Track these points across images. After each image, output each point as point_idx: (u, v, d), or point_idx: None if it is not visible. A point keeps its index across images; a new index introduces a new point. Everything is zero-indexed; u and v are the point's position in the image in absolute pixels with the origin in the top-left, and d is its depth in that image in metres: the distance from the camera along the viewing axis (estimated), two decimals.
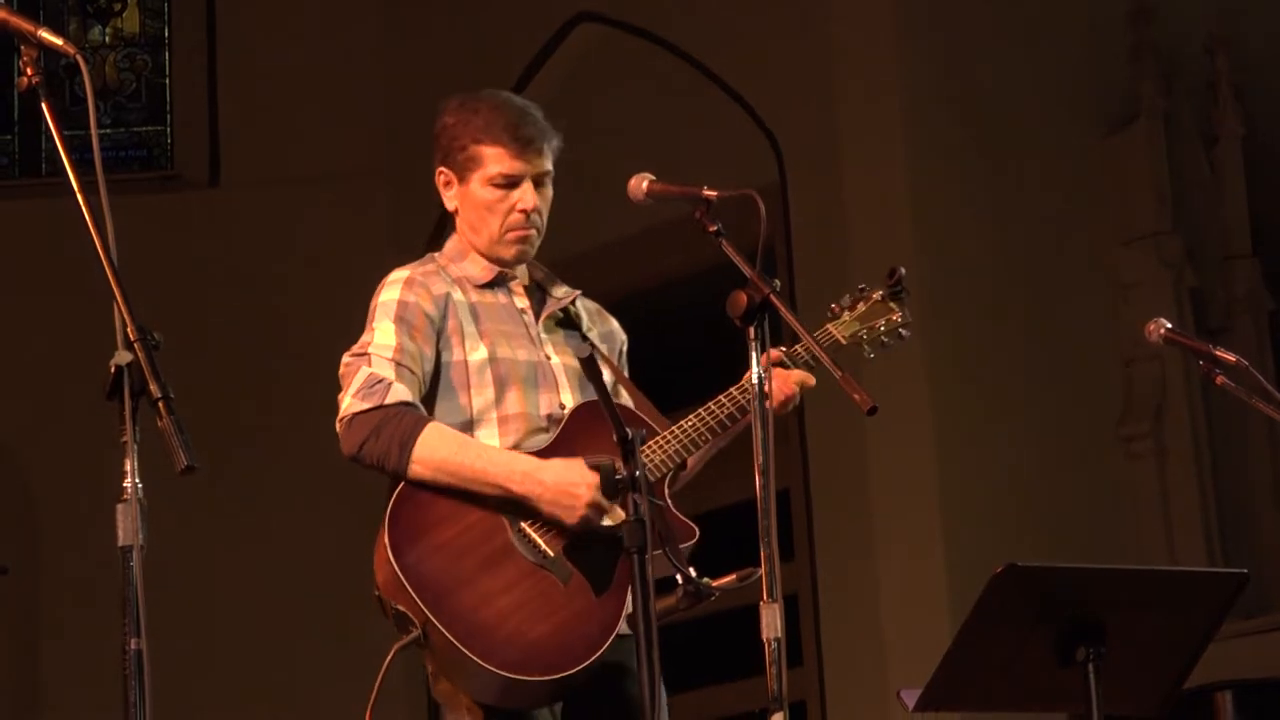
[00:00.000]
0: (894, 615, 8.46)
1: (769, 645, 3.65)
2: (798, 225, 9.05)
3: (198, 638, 9.23)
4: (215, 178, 10.68)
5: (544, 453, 4.14)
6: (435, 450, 4.07)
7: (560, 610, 4.02)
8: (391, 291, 4.24)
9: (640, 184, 4.08)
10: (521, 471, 4.07)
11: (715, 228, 3.94)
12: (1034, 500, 8.56)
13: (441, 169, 4.32)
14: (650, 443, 4.14)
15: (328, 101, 10.55)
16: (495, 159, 4.25)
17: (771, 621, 3.66)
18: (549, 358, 4.25)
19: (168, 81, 10.94)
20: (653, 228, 8.05)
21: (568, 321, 4.36)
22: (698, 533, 4.14)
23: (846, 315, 4.38)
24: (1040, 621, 3.98)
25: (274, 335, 10.18)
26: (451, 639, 3.95)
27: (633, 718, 3.90)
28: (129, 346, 3.13)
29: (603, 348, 4.37)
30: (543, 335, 4.29)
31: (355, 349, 4.20)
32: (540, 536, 4.07)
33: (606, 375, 4.30)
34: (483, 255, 4.31)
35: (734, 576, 3.97)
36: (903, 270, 4.39)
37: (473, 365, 4.20)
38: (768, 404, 4.12)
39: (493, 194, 4.26)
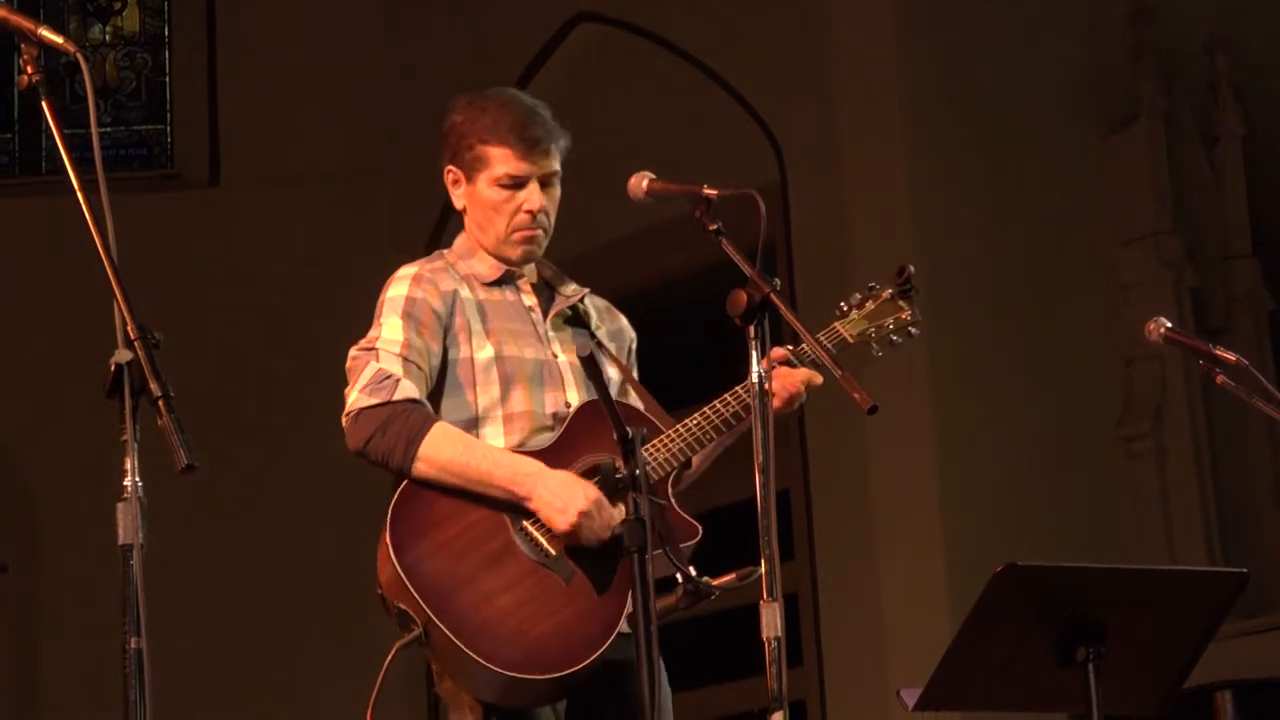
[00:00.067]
0: (894, 615, 8.46)
1: (769, 644, 3.65)
2: (798, 225, 9.05)
3: (198, 637, 9.23)
4: (215, 177, 10.68)
5: (547, 451, 4.14)
6: (441, 450, 4.07)
7: (562, 609, 4.02)
8: (399, 287, 4.24)
9: (640, 183, 4.08)
10: (525, 473, 4.07)
11: (715, 227, 3.94)
12: (1034, 500, 8.56)
13: (450, 167, 4.32)
14: (654, 441, 4.14)
15: (328, 101, 10.55)
16: (501, 159, 4.25)
17: (771, 621, 3.65)
18: (556, 356, 4.25)
19: (168, 80, 10.94)
20: (653, 227, 8.06)
21: (576, 319, 4.36)
22: (701, 531, 4.14)
23: (855, 314, 4.38)
24: (1040, 621, 3.98)
25: (274, 335, 10.18)
26: (453, 638, 3.95)
27: (636, 716, 3.90)
28: (129, 345, 3.13)
29: (611, 346, 4.37)
30: (550, 333, 4.29)
31: (363, 343, 4.20)
32: (543, 535, 4.07)
33: (614, 374, 4.31)
34: (490, 254, 4.31)
35: (734, 576, 3.96)
36: (911, 269, 4.40)
37: (479, 363, 4.20)
38: (774, 402, 4.15)
39: (499, 194, 4.26)
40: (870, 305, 4.39)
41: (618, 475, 3.72)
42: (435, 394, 4.20)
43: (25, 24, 3.34)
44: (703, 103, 9.39)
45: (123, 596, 3.11)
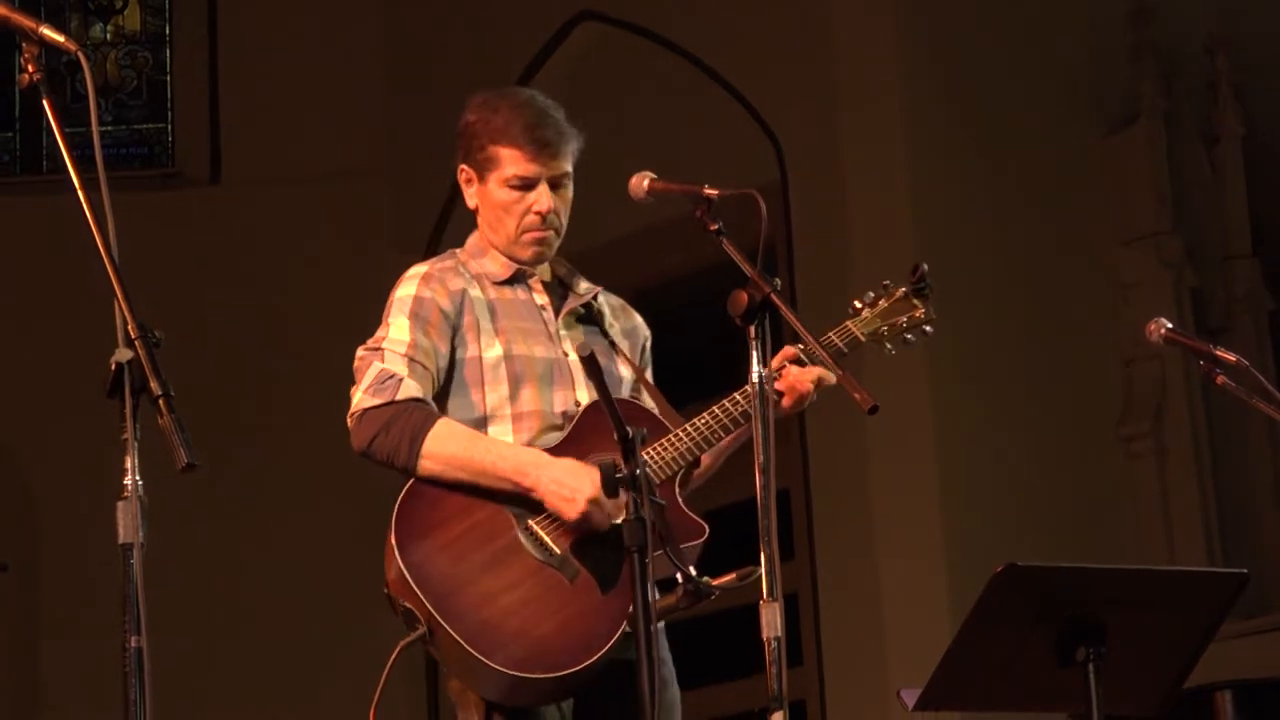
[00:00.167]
0: (894, 615, 8.46)
1: (769, 644, 3.66)
2: (798, 225, 9.05)
3: (198, 637, 9.23)
4: (216, 175, 10.67)
5: (555, 450, 4.14)
6: (444, 445, 4.08)
7: (566, 608, 4.03)
8: (408, 287, 4.25)
9: (641, 182, 4.09)
10: (529, 463, 4.08)
11: (716, 226, 3.94)
12: (1034, 500, 8.56)
13: (463, 166, 4.34)
14: (661, 441, 4.15)
15: (328, 101, 10.55)
16: (511, 161, 4.26)
17: (771, 620, 3.66)
18: (566, 355, 4.26)
19: (169, 79, 10.94)
20: (654, 226, 8.05)
21: (589, 318, 4.36)
22: (707, 530, 4.14)
23: (868, 312, 4.38)
24: (1040, 621, 3.98)
25: (274, 334, 10.18)
26: (456, 637, 3.96)
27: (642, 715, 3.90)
28: (129, 344, 3.13)
29: (624, 344, 4.38)
30: (562, 332, 4.29)
31: (370, 344, 4.22)
32: (547, 534, 4.08)
33: (626, 373, 4.31)
34: (502, 253, 4.32)
35: (734, 575, 3.97)
36: (925, 267, 4.40)
37: (487, 362, 4.21)
38: (784, 402, 4.16)
39: (509, 195, 4.27)
40: (883, 304, 4.39)
41: (618, 475, 3.72)
42: (443, 394, 4.21)
43: (26, 22, 3.34)
44: (703, 103, 9.39)
45: (123, 595, 3.11)
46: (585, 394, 4.21)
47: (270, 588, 9.78)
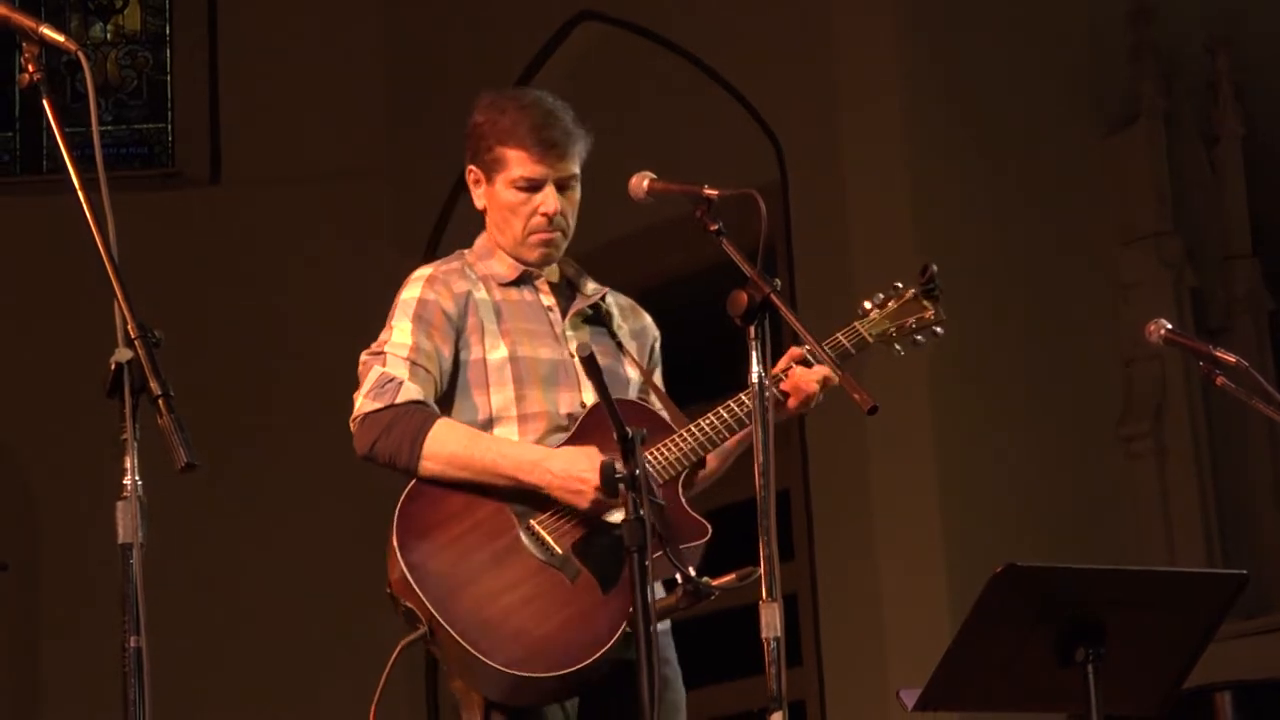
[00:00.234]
0: (894, 615, 8.46)
1: (768, 644, 3.66)
2: (798, 225, 9.05)
3: (198, 637, 9.23)
4: (216, 175, 10.68)
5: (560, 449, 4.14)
6: (445, 445, 4.08)
7: (566, 607, 4.03)
8: (412, 290, 4.26)
9: (641, 182, 4.09)
10: (531, 461, 4.09)
11: (716, 227, 3.94)
12: (1034, 500, 8.55)
13: (471, 167, 4.34)
14: (665, 441, 4.15)
15: (328, 101, 10.55)
16: (517, 162, 4.26)
17: (771, 621, 3.66)
18: (572, 355, 4.25)
19: (169, 79, 10.94)
20: (653, 226, 8.04)
21: (597, 319, 4.36)
22: (710, 531, 4.14)
23: (876, 314, 4.37)
24: (1040, 621, 3.98)
25: (274, 334, 10.18)
26: (456, 637, 3.96)
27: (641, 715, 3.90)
28: (129, 344, 3.13)
29: (632, 345, 4.37)
30: (568, 333, 4.29)
31: (373, 347, 4.23)
32: (549, 535, 4.08)
33: (634, 374, 4.31)
34: (509, 254, 4.32)
35: (733, 576, 3.96)
36: (935, 267, 4.39)
37: (492, 364, 4.21)
38: (789, 403, 4.15)
39: (515, 196, 4.27)
40: (893, 305, 4.38)
41: (617, 475, 3.72)
42: (449, 396, 4.22)
43: (26, 22, 3.34)
44: (703, 102, 9.39)
45: (122, 595, 3.11)
46: (590, 395, 4.20)
47: (270, 588, 9.78)
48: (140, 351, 3.12)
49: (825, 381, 4.18)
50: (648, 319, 4.48)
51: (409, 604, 4.01)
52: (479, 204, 4.36)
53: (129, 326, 3.14)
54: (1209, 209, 9.30)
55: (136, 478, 3.14)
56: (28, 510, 10.13)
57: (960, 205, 8.77)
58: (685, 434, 4.17)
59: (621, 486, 3.72)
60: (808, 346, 4.18)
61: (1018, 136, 8.98)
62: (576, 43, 9.97)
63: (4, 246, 10.13)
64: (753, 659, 3.72)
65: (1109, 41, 9.25)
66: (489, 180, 4.31)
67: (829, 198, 8.94)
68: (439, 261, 4.35)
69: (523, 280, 4.31)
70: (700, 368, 5.76)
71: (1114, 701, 4.03)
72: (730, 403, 4.18)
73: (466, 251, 4.37)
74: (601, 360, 4.13)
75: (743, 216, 3.94)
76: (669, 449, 4.15)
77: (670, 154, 8.50)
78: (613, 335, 4.36)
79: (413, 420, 4.10)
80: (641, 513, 3.66)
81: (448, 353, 4.21)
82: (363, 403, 4.15)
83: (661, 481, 4.11)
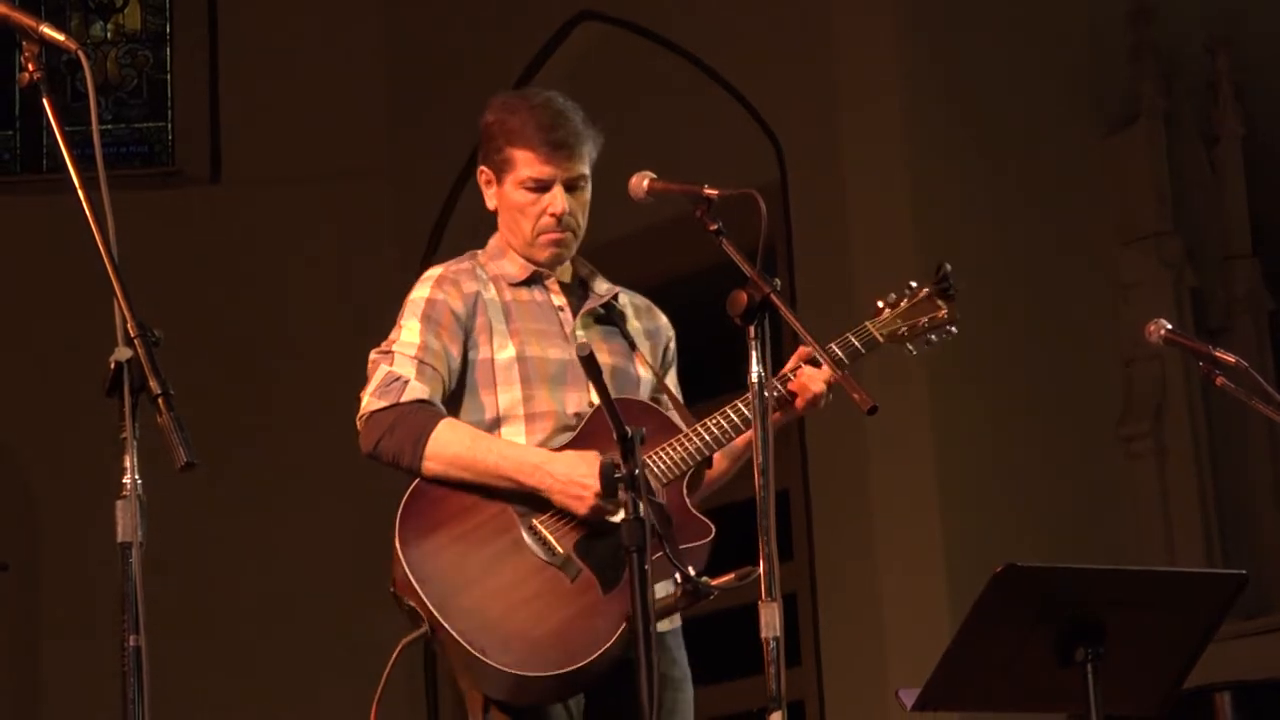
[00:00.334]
0: (894, 615, 8.46)
1: (768, 644, 3.66)
2: (798, 225, 9.05)
3: (198, 637, 9.23)
4: (216, 174, 10.68)
5: (563, 450, 4.15)
6: (448, 445, 4.09)
7: (567, 607, 4.03)
8: (422, 289, 4.28)
9: (641, 182, 4.10)
10: (532, 464, 4.09)
11: (716, 226, 3.94)
12: (1034, 500, 8.55)
13: (482, 168, 4.36)
14: (670, 441, 4.15)
15: (328, 100, 10.55)
16: (526, 162, 4.27)
17: (770, 621, 3.66)
18: None
19: (169, 78, 10.94)
20: (653, 226, 8.03)
21: (608, 318, 4.36)
22: (714, 530, 4.14)
23: (888, 313, 4.37)
24: (1040, 621, 3.98)
25: (274, 334, 10.18)
26: (457, 636, 3.96)
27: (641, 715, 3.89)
28: (129, 343, 3.13)
29: (645, 345, 4.37)
30: (579, 332, 4.29)
31: (382, 346, 4.25)
32: (551, 534, 4.08)
33: (645, 374, 4.31)
34: (520, 255, 4.32)
35: (733, 575, 3.96)
36: (949, 267, 4.39)
37: (499, 364, 4.22)
38: (796, 403, 4.16)
39: (524, 197, 4.28)
40: (905, 304, 4.38)
41: (617, 475, 3.72)
42: (456, 396, 4.23)
43: (27, 21, 3.34)
44: (703, 102, 9.39)
45: (121, 594, 3.11)
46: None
47: (270, 588, 9.78)
48: (140, 350, 3.12)
49: (831, 381, 4.18)
50: (663, 319, 4.48)
51: (410, 603, 4.01)
52: (490, 204, 4.37)
53: (129, 325, 3.14)
54: (1209, 209, 9.30)
55: (136, 477, 3.14)
56: (28, 510, 10.13)
57: (960, 205, 8.76)
58: (691, 434, 4.18)
59: (620, 486, 3.71)
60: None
61: (1018, 136, 8.98)
62: (576, 43, 9.97)
63: (4, 246, 10.13)
64: (752, 659, 3.73)
65: (1109, 41, 9.25)
66: (499, 181, 4.32)
67: (829, 198, 8.94)
68: (450, 261, 4.36)
69: (533, 280, 4.32)
70: (700, 368, 5.76)
71: (1114, 701, 4.02)
72: (738, 403, 4.17)
73: (479, 251, 4.38)
74: (611, 360, 4.14)
75: (743, 216, 3.94)
76: (674, 449, 4.16)
77: (670, 154, 8.49)
78: (625, 335, 4.36)
79: (416, 420, 4.10)
80: (640, 513, 3.65)
81: (456, 352, 4.22)
82: (368, 401, 4.16)
83: (665, 481, 4.12)
